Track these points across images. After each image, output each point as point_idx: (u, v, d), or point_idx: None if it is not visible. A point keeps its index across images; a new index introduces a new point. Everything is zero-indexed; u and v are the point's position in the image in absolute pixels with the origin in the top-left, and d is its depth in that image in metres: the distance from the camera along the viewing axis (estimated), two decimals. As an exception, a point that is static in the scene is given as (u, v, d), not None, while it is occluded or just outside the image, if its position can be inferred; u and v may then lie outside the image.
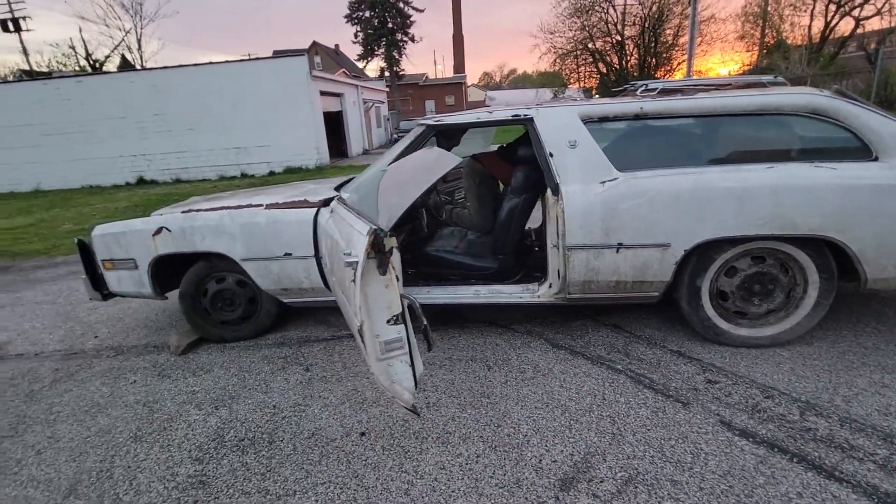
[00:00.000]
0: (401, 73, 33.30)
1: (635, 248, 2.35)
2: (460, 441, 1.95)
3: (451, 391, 2.30)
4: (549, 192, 2.47)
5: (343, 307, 2.12)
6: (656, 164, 2.41)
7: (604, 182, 2.37)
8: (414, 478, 1.77)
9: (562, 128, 2.47)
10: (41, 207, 11.01)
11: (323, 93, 16.42)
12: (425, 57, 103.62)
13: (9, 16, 25.31)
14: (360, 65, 33.74)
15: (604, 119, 2.50)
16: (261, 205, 2.86)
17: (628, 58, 27.75)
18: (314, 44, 34.95)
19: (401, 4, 31.01)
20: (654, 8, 25.67)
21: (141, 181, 15.44)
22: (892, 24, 23.44)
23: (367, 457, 1.90)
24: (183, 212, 2.98)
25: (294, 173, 14.99)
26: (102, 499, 1.78)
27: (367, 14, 30.99)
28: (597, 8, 26.30)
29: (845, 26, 23.94)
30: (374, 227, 1.47)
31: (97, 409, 2.40)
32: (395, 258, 1.55)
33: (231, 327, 3.09)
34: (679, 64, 26.98)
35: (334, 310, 3.31)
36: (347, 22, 31.69)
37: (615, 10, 26.26)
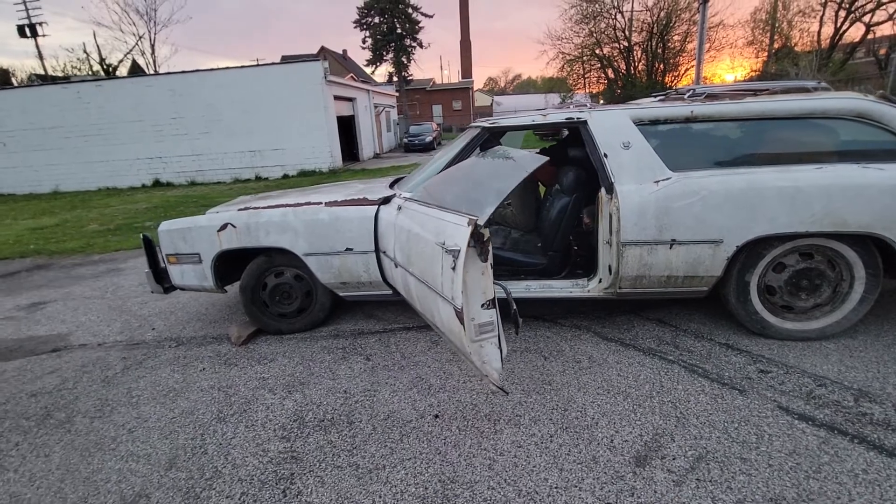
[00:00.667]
0: (409, 77, 33.60)
1: (688, 245, 2.47)
2: (531, 423, 2.07)
3: (513, 379, 2.42)
4: (602, 191, 2.60)
5: (417, 298, 2.24)
6: (707, 164, 2.53)
7: (658, 181, 2.49)
8: (494, 455, 1.89)
9: (615, 130, 2.60)
10: (62, 208, 11.22)
11: (336, 97, 16.66)
12: (432, 62, 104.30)
13: (25, 21, 25.75)
14: (368, 70, 34.09)
15: (655, 122, 2.63)
16: (320, 202, 3.00)
17: (636, 63, 27.94)
18: (322, 49, 35.37)
19: (409, 10, 31.32)
20: (662, 14, 25.88)
21: (157, 183, 15.67)
22: (902, 31, 23.51)
23: (446, 436, 2.02)
24: (241, 209, 3.13)
25: (307, 176, 15.21)
26: (203, 471, 1.91)
27: (376, 20, 31.33)
28: (605, 14, 26.56)
29: (855, 32, 24.05)
30: (474, 218, 1.60)
31: (175, 394, 2.53)
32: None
33: (288, 319, 3.22)
34: (687, 70, 27.15)
35: (383, 304, 3.46)
36: (356, 27, 32.06)
37: (623, 17, 26.47)
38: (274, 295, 3.17)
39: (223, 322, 3.51)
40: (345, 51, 39.75)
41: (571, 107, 2.82)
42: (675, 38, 26.57)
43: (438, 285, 1.81)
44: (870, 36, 23.81)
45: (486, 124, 2.88)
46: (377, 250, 2.83)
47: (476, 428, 2.06)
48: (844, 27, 23.72)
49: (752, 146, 2.58)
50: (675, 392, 2.21)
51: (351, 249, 2.87)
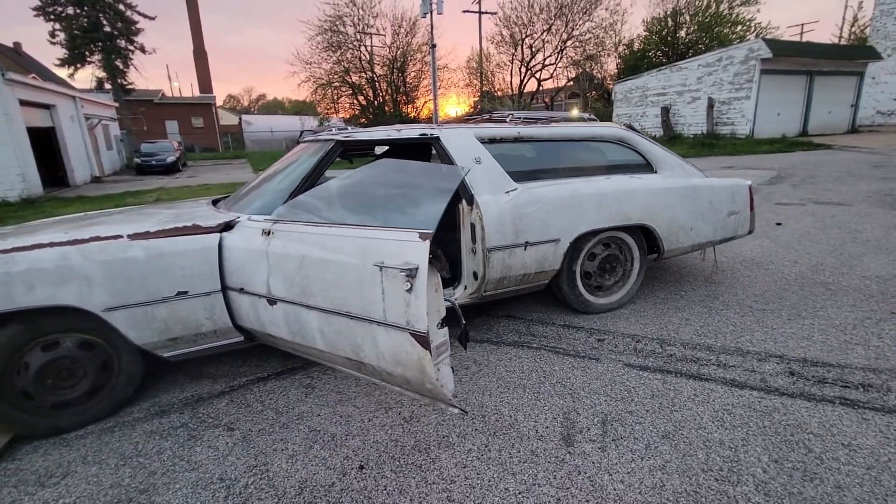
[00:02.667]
0: (128, 86, 27.71)
1: (537, 245, 2.86)
2: (461, 439, 2.01)
3: (415, 401, 2.30)
4: (463, 202, 2.75)
5: (321, 336, 1.89)
6: (531, 177, 3.00)
7: (508, 192, 2.81)
8: (446, 484, 1.76)
9: (467, 146, 2.81)
10: None
11: (24, 102, 12.42)
12: (158, 71, 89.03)
13: None
14: (62, 72, 26.53)
15: (493, 140, 2.96)
16: (119, 235, 2.20)
17: (382, 93, 30.39)
18: (-23, 36, 25.57)
19: (120, 6, 26.01)
20: (399, 53, 29.01)
21: None
22: (558, 85, 32.90)
23: (385, 485, 1.77)
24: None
25: (-18, 210, 10.80)
26: None
27: (70, 10, 24.79)
28: (349, 45, 28.04)
29: (532, 84, 32.41)
30: (427, 232, 1.47)
31: None
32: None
33: (71, 410, 2.22)
34: (425, 102, 31.17)
35: (215, 358, 2.78)
36: (38, 15, 24.54)
37: (366, 50, 28.47)
38: (43, 378, 2.14)
39: (-75, 443, 2.15)
40: (17, 44, 29.89)
41: (334, 130, 2.87)
42: (412, 74, 30.13)
43: (377, 313, 1.58)
44: (541, 87, 32.49)
45: (340, 137, 2.67)
46: (224, 289, 2.26)
47: (411, 464, 1.88)
48: (526, 79, 31.63)
49: (562, 161, 3.18)
50: (556, 373, 2.52)
51: (185, 293, 2.20)
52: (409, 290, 1.45)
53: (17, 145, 11.64)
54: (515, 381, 2.47)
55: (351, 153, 3.05)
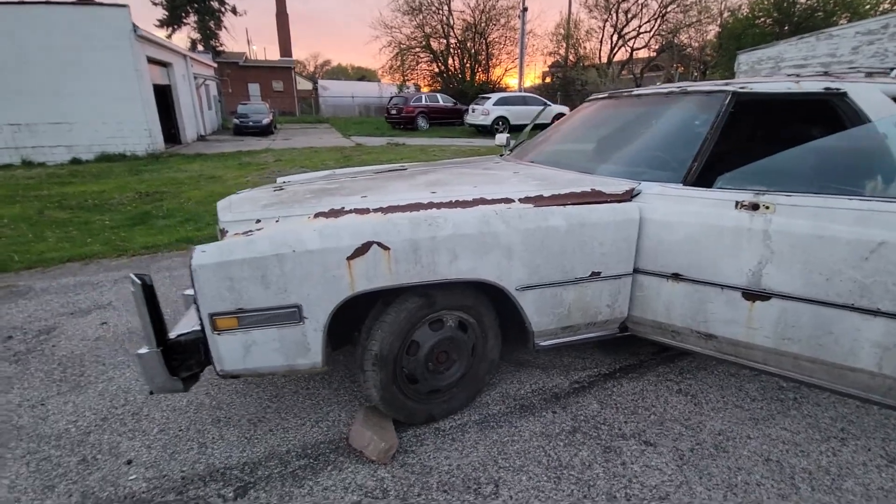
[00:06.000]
0: (219, 48, 28.46)
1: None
2: None
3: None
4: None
5: (873, 352, 1.43)
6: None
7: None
8: None
9: (886, 105, 2.20)
10: None
11: (149, 60, 12.74)
12: (239, 35, 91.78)
13: None
14: (161, 33, 27.56)
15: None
16: (511, 198, 1.82)
17: (464, 61, 29.39)
18: (84, -3, 26.80)
19: (214, -34, 26.41)
20: (483, 17, 27.76)
21: None
22: (651, 55, 30.54)
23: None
24: (380, 210, 1.72)
25: (114, 162, 11.30)
26: None
27: (170, -30, 25.46)
28: (432, 8, 27.12)
29: (622, 54, 30.25)
30: None
31: None
32: None
33: (440, 396, 1.92)
34: (508, 70, 29.95)
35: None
36: (140, -24, 25.40)
37: (450, 11, 27.40)
38: (430, 361, 1.84)
39: (306, 421, 1.94)
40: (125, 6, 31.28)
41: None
42: (493, 39, 28.81)
43: None
44: (633, 57, 30.27)
45: (734, 88, 2.13)
46: (637, 271, 1.84)
47: None
48: (617, 48, 29.53)
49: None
50: None
51: (598, 274, 1.81)
52: None
53: (146, 102, 12.02)
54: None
55: (743, 110, 2.44)
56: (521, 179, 2.09)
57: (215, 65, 23.19)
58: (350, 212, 1.78)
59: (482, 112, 16.51)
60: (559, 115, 17.58)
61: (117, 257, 4.23)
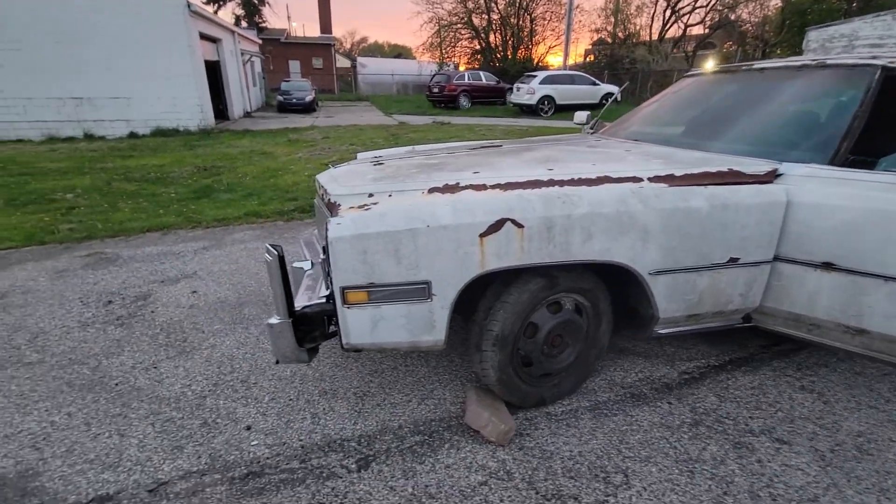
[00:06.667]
0: (262, 24, 28.71)
1: None
2: None
3: None
4: None
5: None
6: None
7: None
8: None
9: None
10: None
11: (201, 35, 12.95)
12: (280, 11, 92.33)
13: None
14: (208, 9, 28.01)
15: None
16: (637, 177, 1.70)
17: (506, 37, 28.57)
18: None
19: (259, -59, 26.43)
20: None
21: None
22: (705, 31, 28.88)
23: None
24: (498, 187, 1.64)
25: (169, 136, 11.63)
26: None
27: (216, -55, 25.65)
28: (475, -19, 26.33)
29: (675, 31, 28.67)
30: None
31: None
32: None
33: (551, 380, 1.87)
34: (552, 48, 28.99)
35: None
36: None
37: (493, -17, 26.54)
38: (545, 344, 1.78)
39: (396, 397, 1.93)
40: (166, -20, 31.84)
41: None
42: (538, 14, 27.79)
43: None
44: (687, 34, 28.66)
45: (883, 62, 1.92)
46: (775, 259, 1.71)
47: None
48: (670, 24, 28.01)
49: None
50: None
51: (736, 260, 1.69)
52: None
53: (198, 78, 12.26)
54: None
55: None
56: (640, 157, 1.97)
57: (260, 41, 23.39)
58: (466, 188, 1.72)
59: (527, 91, 16.03)
60: (608, 95, 16.93)
61: (192, 228, 4.35)
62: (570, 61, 30.03)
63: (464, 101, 18.62)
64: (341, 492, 1.51)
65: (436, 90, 19.22)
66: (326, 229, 1.47)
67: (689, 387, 1.99)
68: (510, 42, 28.12)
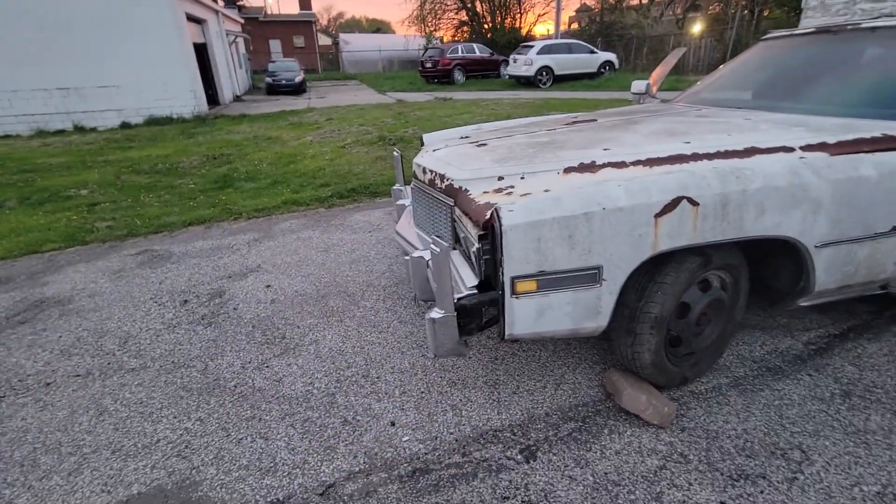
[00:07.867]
0: (238, 2, 27.50)
1: None
2: None
3: None
4: None
5: None
6: None
7: None
8: None
9: None
10: None
11: (187, 17, 12.36)
12: None
13: None
14: (182, -13, 26.62)
15: None
16: (788, 147, 1.64)
17: (493, 5, 27.78)
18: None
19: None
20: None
21: None
22: (695, -4, 28.35)
23: None
24: (639, 163, 1.57)
25: (162, 125, 11.19)
26: None
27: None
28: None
29: (664, -6, 28.11)
30: None
31: None
32: None
33: (691, 359, 1.84)
34: (541, 15, 28.32)
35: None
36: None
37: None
38: (693, 323, 1.75)
39: (568, 383, 1.89)
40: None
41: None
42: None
43: None
44: (675, -3, 28.16)
45: None
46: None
47: None
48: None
49: None
50: None
51: (896, 228, 1.65)
52: None
53: (188, 61, 11.75)
54: None
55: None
56: (774, 126, 1.90)
57: (242, 20, 22.47)
58: (604, 166, 1.64)
59: (524, 62, 15.70)
60: (606, 63, 16.67)
61: (234, 221, 4.20)
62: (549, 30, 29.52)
63: (458, 76, 18.22)
64: (521, 484, 1.48)
65: (429, 65, 18.74)
66: (498, 217, 1.39)
67: (822, 357, 1.98)
68: (498, 12, 27.38)
